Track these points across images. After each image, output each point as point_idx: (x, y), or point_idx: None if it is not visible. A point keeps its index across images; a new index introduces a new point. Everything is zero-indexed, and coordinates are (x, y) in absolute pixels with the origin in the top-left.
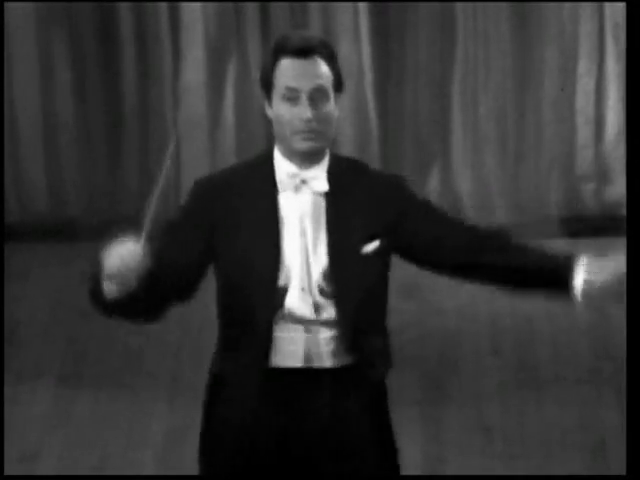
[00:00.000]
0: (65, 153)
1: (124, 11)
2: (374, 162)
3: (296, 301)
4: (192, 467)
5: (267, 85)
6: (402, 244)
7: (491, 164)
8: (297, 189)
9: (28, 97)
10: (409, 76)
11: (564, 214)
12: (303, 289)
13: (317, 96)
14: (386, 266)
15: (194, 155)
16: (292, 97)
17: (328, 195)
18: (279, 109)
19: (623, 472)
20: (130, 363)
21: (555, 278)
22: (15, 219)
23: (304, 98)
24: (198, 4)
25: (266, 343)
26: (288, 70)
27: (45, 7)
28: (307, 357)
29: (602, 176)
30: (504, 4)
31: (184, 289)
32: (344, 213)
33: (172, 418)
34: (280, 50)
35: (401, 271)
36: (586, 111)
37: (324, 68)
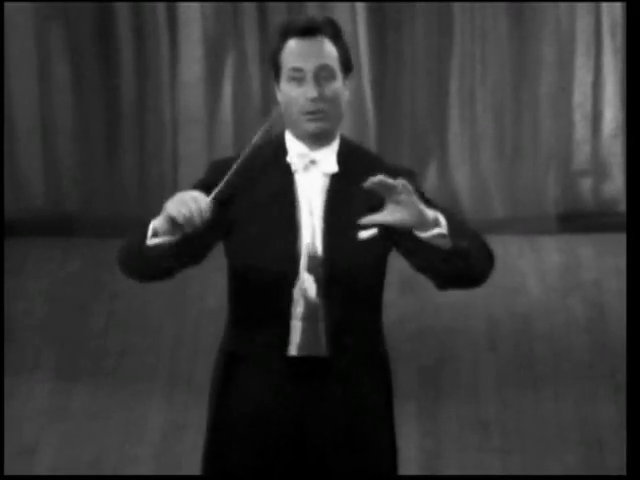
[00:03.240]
0: (62, 149)
1: (122, 8)
2: None
3: (304, 283)
4: (190, 462)
5: (275, 68)
6: (395, 236)
7: (488, 159)
8: (306, 169)
9: (26, 93)
10: (406, 72)
11: (561, 210)
12: (309, 270)
13: (322, 75)
14: (383, 256)
15: (192, 151)
16: (298, 77)
17: (334, 177)
18: (286, 90)
19: (620, 467)
20: (127, 358)
21: None
22: (12, 215)
23: (309, 77)
24: (196, 2)
25: (286, 324)
26: (293, 50)
27: (43, 4)
28: (313, 345)
29: (599, 172)
30: (501, 1)
31: (188, 260)
32: (347, 196)
33: (169, 413)
34: (286, 32)
35: (399, 266)
36: (583, 107)
37: (329, 47)
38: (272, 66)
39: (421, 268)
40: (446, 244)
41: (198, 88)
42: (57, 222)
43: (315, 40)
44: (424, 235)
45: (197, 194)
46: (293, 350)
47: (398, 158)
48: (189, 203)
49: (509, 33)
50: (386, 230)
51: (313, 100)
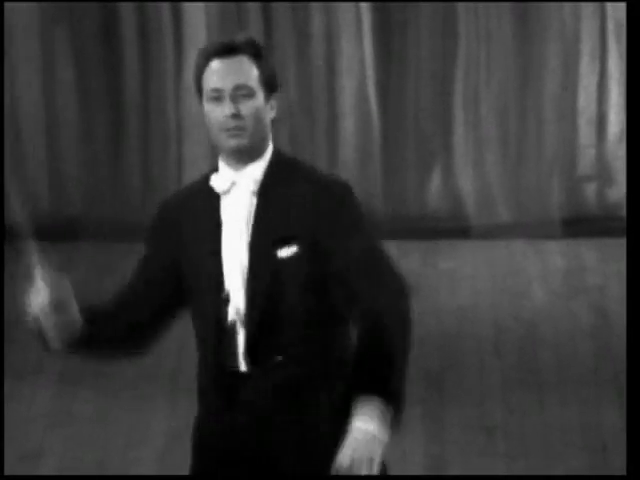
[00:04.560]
0: (67, 153)
1: (126, 10)
2: (375, 161)
3: (239, 302)
4: None
5: (199, 89)
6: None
7: (493, 163)
8: (228, 191)
9: (30, 95)
10: (411, 74)
11: (565, 214)
12: (241, 290)
13: (240, 94)
14: (314, 275)
15: (196, 154)
16: (216, 97)
17: (261, 194)
18: (207, 110)
19: (624, 472)
20: (131, 361)
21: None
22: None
23: (226, 96)
24: (201, 3)
25: (218, 346)
26: (213, 71)
27: (48, 6)
28: (250, 358)
29: (604, 176)
30: (505, 2)
31: (167, 314)
32: (268, 213)
33: (173, 417)
34: (207, 54)
35: (403, 270)
36: (588, 110)
37: (248, 66)
38: (196, 89)
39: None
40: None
41: None
42: (61, 226)
43: (233, 60)
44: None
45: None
46: (230, 363)
47: (403, 162)
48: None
49: (513, 36)
50: (311, 250)
51: (230, 117)
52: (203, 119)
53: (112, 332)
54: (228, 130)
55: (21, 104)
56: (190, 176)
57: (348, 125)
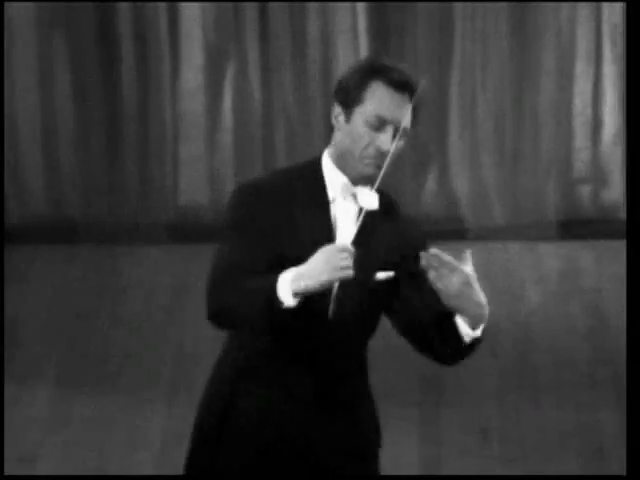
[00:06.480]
0: (64, 155)
1: (123, 13)
2: None
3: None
4: None
5: (351, 100)
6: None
7: (488, 166)
8: (347, 200)
9: (27, 99)
10: None
11: (561, 216)
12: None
13: (399, 134)
14: (386, 303)
15: (192, 157)
16: (378, 125)
17: (367, 215)
18: (359, 130)
19: (621, 474)
20: (129, 365)
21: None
22: (14, 221)
23: (389, 130)
24: (197, 6)
25: (315, 346)
26: (384, 99)
27: (46, 9)
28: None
29: (599, 178)
30: (502, 6)
31: None
32: (373, 235)
33: (171, 420)
34: (377, 73)
35: None
36: (583, 113)
37: (409, 107)
38: (345, 97)
39: (406, 333)
40: (473, 343)
41: (199, 95)
42: (59, 229)
43: (405, 97)
44: (468, 331)
45: (341, 248)
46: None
47: (398, 165)
48: (342, 262)
49: (510, 39)
50: (399, 277)
51: (385, 152)
52: (201, 123)
53: None
54: (370, 159)
55: (19, 108)
56: (186, 180)
57: None
